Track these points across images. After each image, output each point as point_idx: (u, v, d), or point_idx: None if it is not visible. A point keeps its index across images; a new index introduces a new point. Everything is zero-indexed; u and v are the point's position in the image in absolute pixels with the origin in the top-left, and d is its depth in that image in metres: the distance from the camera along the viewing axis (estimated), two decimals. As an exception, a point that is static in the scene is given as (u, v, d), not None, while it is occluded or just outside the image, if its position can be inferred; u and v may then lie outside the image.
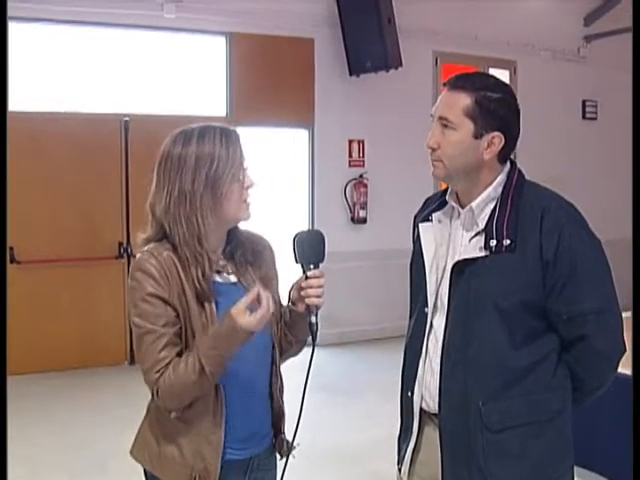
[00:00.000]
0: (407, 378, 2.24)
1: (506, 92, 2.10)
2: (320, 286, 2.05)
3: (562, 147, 9.43)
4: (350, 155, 8.26)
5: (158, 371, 1.98)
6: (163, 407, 2.06)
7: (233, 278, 2.12)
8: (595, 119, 9.92)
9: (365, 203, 8.16)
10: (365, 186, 8.22)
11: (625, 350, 2.10)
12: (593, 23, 9.54)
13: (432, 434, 2.17)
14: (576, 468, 4.32)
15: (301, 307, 2.09)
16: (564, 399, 2.12)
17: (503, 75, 9.05)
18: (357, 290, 7.75)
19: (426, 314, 2.16)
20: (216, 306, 2.03)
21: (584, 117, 9.90)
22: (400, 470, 2.30)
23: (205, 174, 1.99)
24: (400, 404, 2.30)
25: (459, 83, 2.09)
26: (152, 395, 2.04)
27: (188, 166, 2.00)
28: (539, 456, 2.08)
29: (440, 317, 2.13)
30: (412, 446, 2.23)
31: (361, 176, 8.23)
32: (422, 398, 2.18)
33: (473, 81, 2.10)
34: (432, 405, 2.14)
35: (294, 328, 2.16)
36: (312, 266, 2.06)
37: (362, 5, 7.56)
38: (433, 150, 2.10)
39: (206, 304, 2.02)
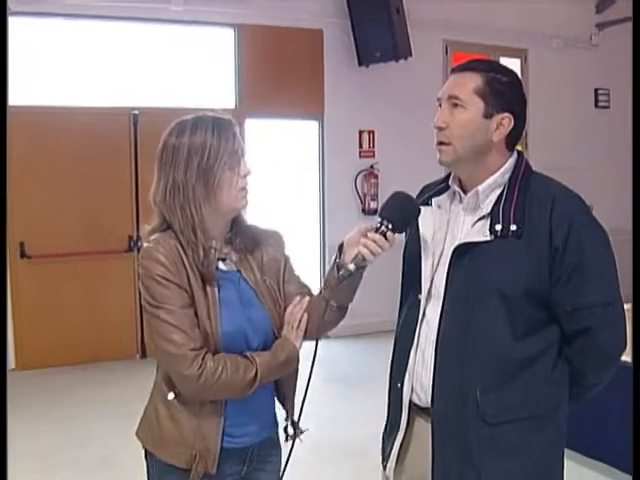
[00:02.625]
0: (396, 369, 2.19)
1: (514, 78, 2.09)
2: (380, 246, 2.00)
3: (574, 136, 9.35)
4: (360, 146, 8.22)
5: (194, 349, 1.99)
6: (196, 393, 2.04)
7: (235, 266, 2.15)
8: (608, 107, 9.83)
9: (376, 194, 8.11)
10: (376, 177, 8.18)
11: (626, 346, 2.06)
12: (605, 10, 9.45)
13: (421, 429, 2.12)
14: (588, 459, 4.32)
15: (349, 254, 2.04)
16: (561, 395, 2.07)
17: (514, 64, 8.97)
18: (371, 282, 7.57)
19: (419, 301, 2.11)
20: (218, 291, 2.06)
21: (596, 105, 9.81)
22: (385, 467, 2.24)
23: (197, 164, 2.02)
24: (388, 398, 2.25)
25: (469, 65, 2.08)
26: (187, 374, 2.00)
27: (181, 157, 2.04)
28: (534, 452, 2.03)
29: (434, 305, 2.08)
30: (400, 442, 2.17)
31: (372, 167, 8.19)
32: (412, 390, 2.13)
33: (482, 63, 2.10)
34: (423, 398, 2.09)
35: (336, 291, 2.11)
36: (390, 225, 2.01)
37: (371, -5, 7.51)
38: (440, 130, 2.05)
39: (208, 288, 2.05)
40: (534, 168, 2.11)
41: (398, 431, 2.17)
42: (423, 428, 2.11)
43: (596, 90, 9.77)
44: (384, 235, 2.01)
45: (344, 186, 8.12)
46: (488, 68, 2.05)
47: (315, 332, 2.11)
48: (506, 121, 2.02)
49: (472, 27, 8.44)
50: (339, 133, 8.05)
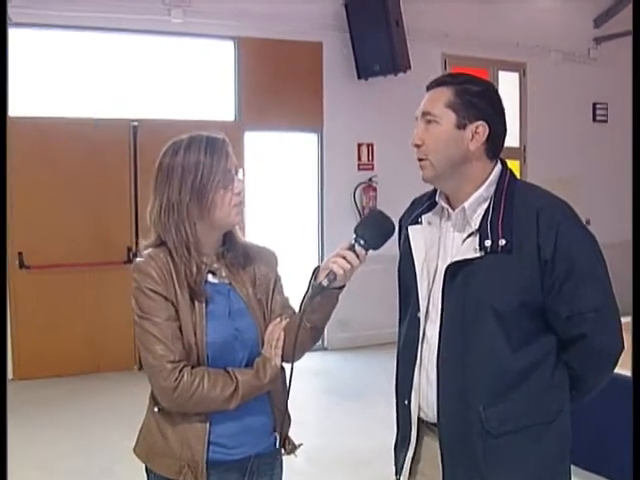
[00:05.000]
0: (402, 387, 2.19)
1: (487, 87, 2.12)
2: (350, 263, 2.03)
3: (573, 150, 9.38)
4: (359, 159, 8.24)
5: (172, 362, 2.03)
6: (172, 405, 2.07)
7: (227, 279, 2.18)
8: (605, 121, 9.86)
9: (375, 207, 8.11)
10: (374, 190, 8.20)
11: (624, 347, 2.07)
12: (603, 25, 9.50)
13: (431, 444, 2.13)
14: (585, 472, 4.31)
15: (323, 274, 2.05)
16: (562, 399, 2.08)
17: (513, 78, 9.03)
18: (369, 294, 7.66)
19: (419, 319, 2.11)
20: (206, 305, 2.10)
21: (594, 120, 9.85)
22: None
23: (191, 183, 2.07)
24: (396, 412, 2.26)
25: (440, 80, 2.11)
26: (162, 387, 2.04)
27: (175, 176, 2.08)
28: (540, 459, 2.04)
29: (433, 323, 2.09)
30: (411, 456, 2.19)
31: (370, 180, 8.21)
32: (420, 408, 2.14)
33: (453, 77, 2.14)
34: (431, 414, 2.10)
35: (309, 309, 2.10)
36: (362, 242, 2.04)
37: (370, 8, 7.55)
38: (418, 147, 2.08)
39: (196, 303, 2.09)
40: (532, 181, 2.12)
41: (409, 445, 2.19)
42: (432, 442, 2.13)
43: (594, 104, 9.80)
44: (354, 251, 2.04)
45: (343, 198, 8.13)
46: (458, 80, 2.08)
47: (290, 353, 2.11)
48: (481, 129, 2.04)
49: (471, 40, 8.48)
50: (338, 146, 8.08)
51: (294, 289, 2.32)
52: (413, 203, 2.32)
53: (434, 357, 2.07)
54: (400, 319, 2.26)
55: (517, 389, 2.00)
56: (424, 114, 2.07)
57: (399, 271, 2.27)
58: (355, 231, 2.07)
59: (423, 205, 2.22)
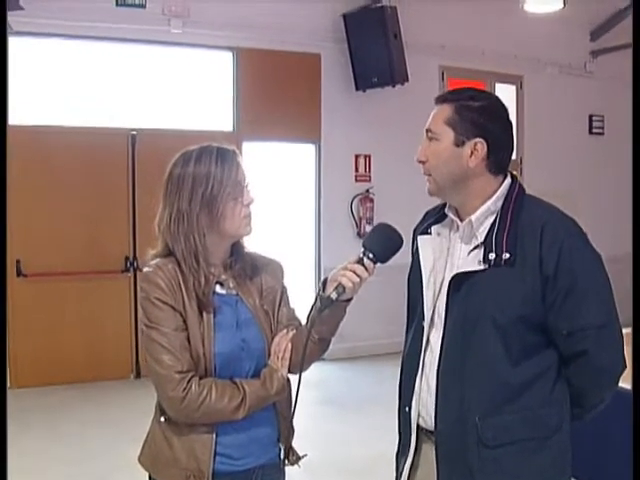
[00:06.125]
0: (404, 393, 2.22)
1: (489, 102, 2.13)
2: (360, 277, 2.05)
3: (569, 162, 9.41)
4: (356, 170, 8.27)
5: (180, 372, 2.03)
6: (180, 415, 2.08)
7: (234, 290, 2.19)
8: (602, 134, 9.91)
9: (371, 218, 8.15)
10: (371, 201, 8.23)
11: (626, 366, 2.08)
12: (600, 38, 9.56)
13: (429, 451, 2.14)
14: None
15: (332, 286, 2.06)
16: (562, 415, 2.08)
17: (509, 90, 9.06)
18: (366, 305, 7.61)
19: (423, 328, 2.14)
20: (214, 316, 2.11)
21: (591, 132, 9.89)
22: None
23: (201, 194, 2.08)
24: (398, 419, 2.28)
25: (443, 96, 2.14)
26: (169, 397, 2.05)
27: (186, 187, 2.09)
28: (538, 473, 2.05)
29: (437, 332, 2.11)
30: (409, 463, 2.20)
31: (367, 191, 8.24)
32: (419, 415, 2.16)
33: (457, 93, 2.15)
34: (429, 422, 2.12)
35: (317, 321, 2.13)
36: (371, 255, 2.06)
37: (368, 20, 7.59)
38: (422, 164, 2.11)
39: (204, 314, 2.10)
40: (528, 193, 2.13)
41: (408, 452, 2.20)
42: (430, 450, 2.14)
43: (590, 116, 9.85)
44: (363, 264, 2.06)
45: (340, 210, 8.16)
46: (459, 97, 2.10)
47: (297, 364, 2.13)
48: (479, 146, 2.05)
49: (468, 53, 8.53)
50: (336, 157, 8.10)
51: (292, 298, 2.34)
52: (426, 214, 2.34)
53: (435, 364, 2.09)
54: (407, 328, 2.29)
55: (515, 402, 2.01)
56: (427, 131, 2.10)
57: (409, 280, 2.29)
58: (363, 245, 2.09)
59: (434, 216, 2.24)
